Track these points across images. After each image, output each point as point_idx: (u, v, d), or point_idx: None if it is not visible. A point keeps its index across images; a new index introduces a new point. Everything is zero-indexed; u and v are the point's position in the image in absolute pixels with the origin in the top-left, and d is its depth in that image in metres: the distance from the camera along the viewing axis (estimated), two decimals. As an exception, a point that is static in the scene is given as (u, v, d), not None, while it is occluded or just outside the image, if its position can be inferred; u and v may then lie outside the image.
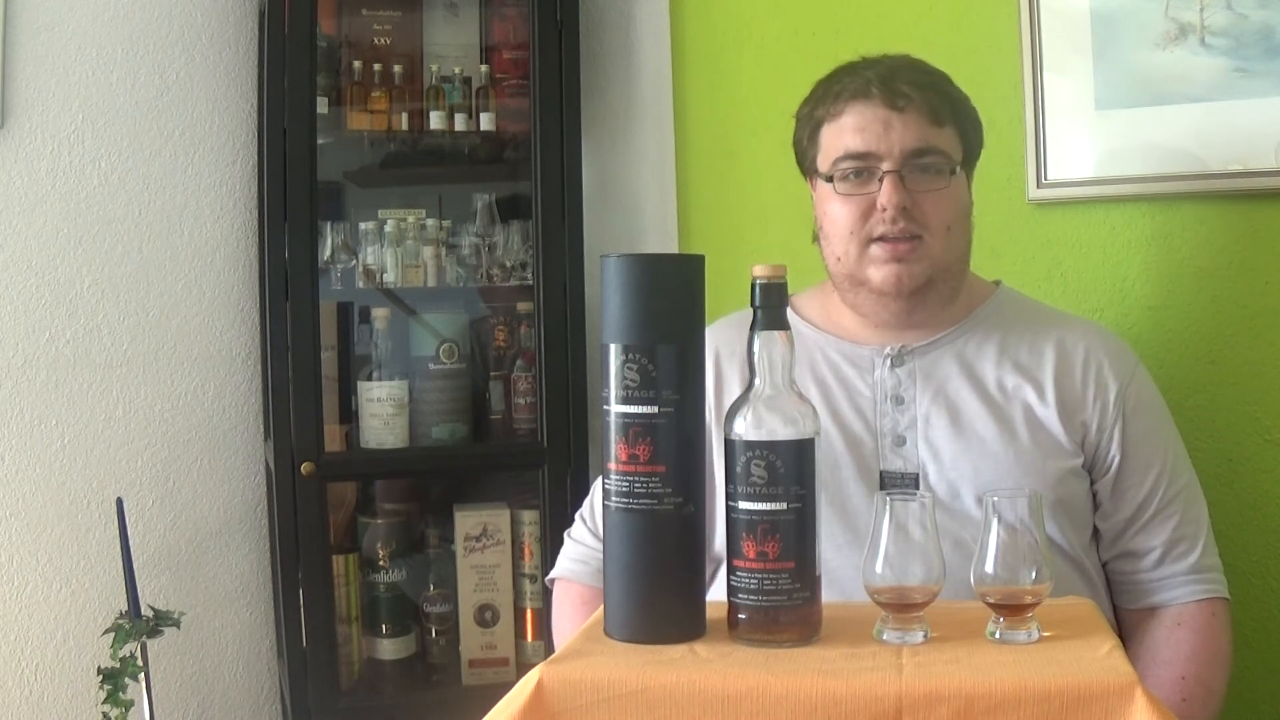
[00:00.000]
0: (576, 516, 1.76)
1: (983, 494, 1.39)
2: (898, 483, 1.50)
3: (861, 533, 1.32)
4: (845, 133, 1.51)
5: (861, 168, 1.50)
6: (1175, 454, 1.57)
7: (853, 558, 1.37)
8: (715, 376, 1.59)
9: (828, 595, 1.19)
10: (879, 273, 1.50)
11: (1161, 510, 1.53)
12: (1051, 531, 1.46)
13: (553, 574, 1.75)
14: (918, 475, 1.50)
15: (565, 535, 1.76)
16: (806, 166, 1.60)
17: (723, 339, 1.57)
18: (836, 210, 1.52)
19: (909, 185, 1.48)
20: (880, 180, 1.48)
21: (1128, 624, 1.56)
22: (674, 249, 2.34)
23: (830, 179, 1.52)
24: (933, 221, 1.49)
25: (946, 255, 1.51)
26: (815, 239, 1.60)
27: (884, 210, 1.48)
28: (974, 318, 1.59)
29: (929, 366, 1.55)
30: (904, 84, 1.48)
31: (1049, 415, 1.52)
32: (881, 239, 1.49)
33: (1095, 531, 1.56)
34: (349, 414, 2.34)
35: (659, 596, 1.18)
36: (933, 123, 1.49)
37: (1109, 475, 1.53)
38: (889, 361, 1.55)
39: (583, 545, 1.71)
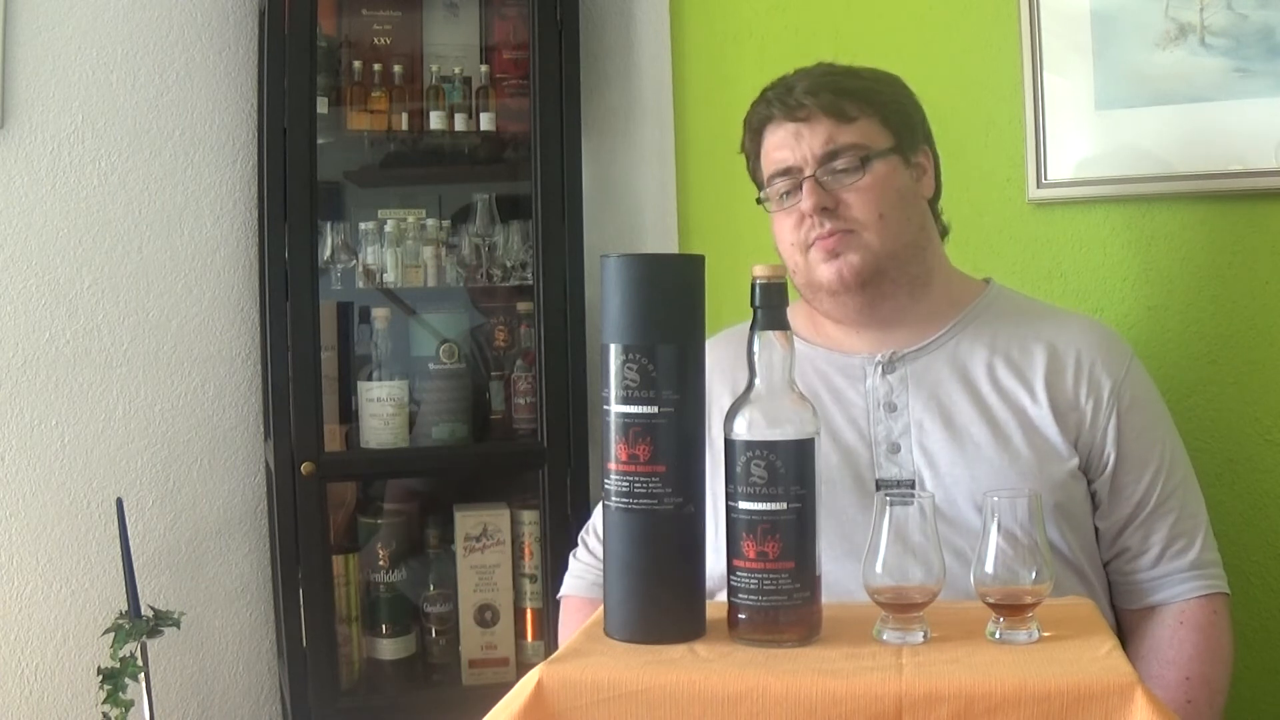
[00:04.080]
0: (579, 538, 1.77)
1: (979, 500, 1.40)
2: (893, 491, 1.49)
3: (858, 543, 1.32)
4: (770, 154, 1.58)
5: (790, 183, 1.55)
6: (1172, 448, 1.57)
7: (849, 568, 1.35)
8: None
9: (826, 605, 1.19)
10: (823, 274, 1.54)
11: (1160, 506, 1.52)
12: (1051, 536, 1.46)
13: (559, 595, 1.77)
14: (913, 482, 1.50)
15: (571, 557, 1.76)
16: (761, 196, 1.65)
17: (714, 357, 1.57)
18: (778, 227, 1.59)
19: (828, 186, 1.52)
20: (802, 189, 1.53)
21: (1129, 625, 1.55)
22: (674, 249, 2.34)
23: (768, 200, 1.59)
24: (859, 214, 1.52)
25: (886, 243, 1.53)
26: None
27: (809, 215, 1.52)
28: (963, 319, 1.59)
29: (920, 371, 1.55)
30: (801, 94, 1.53)
31: (1042, 417, 1.51)
32: (816, 241, 1.53)
33: (1096, 533, 1.55)
34: (349, 414, 2.34)
35: (659, 596, 1.18)
36: (839, 120, 1.52)
37: (1106, 474, 1.52)
38: (880, 369, 1.56)
39: (582, 564, 1.73)
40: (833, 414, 1.55)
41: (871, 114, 1.54)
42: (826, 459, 1.50)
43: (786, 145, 1.54)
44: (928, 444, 1.51)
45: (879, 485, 1.51)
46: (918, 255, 1.57)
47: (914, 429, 1.52)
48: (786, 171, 1.55)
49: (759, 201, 1.62)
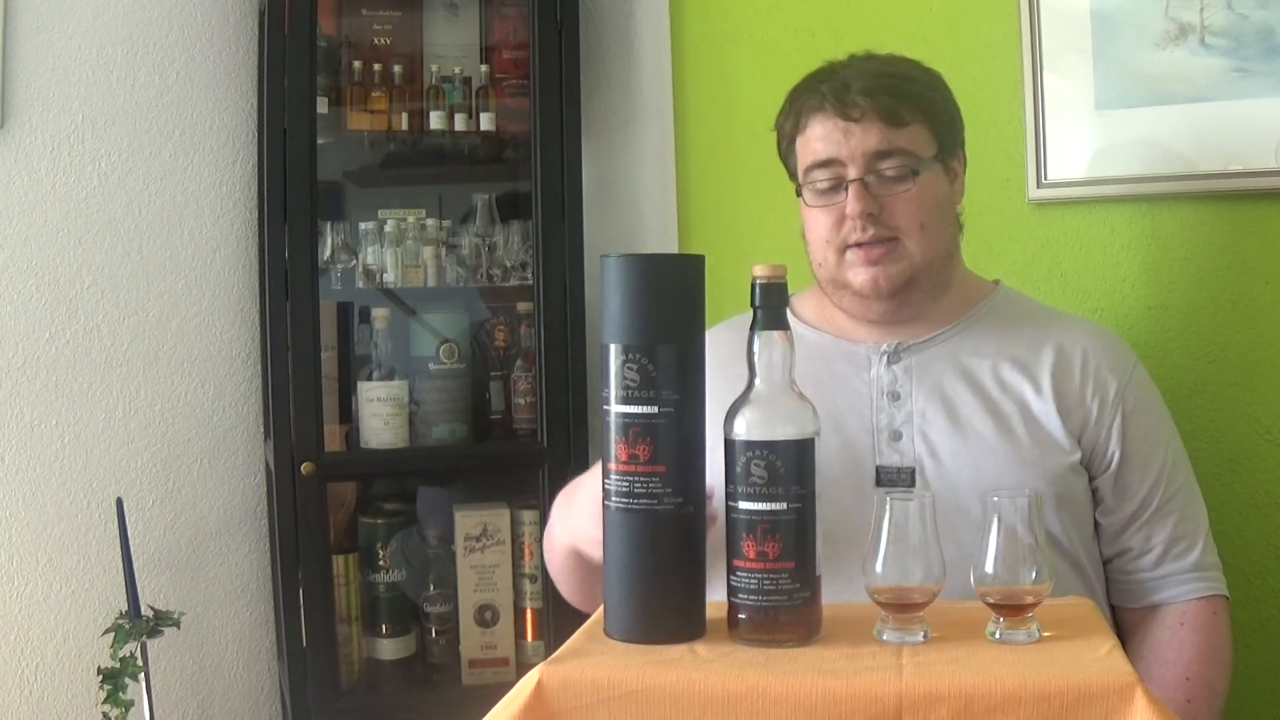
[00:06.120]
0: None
1: (980, 490, 1.40)
2: (894, 478, 1.51)
3: (856, 526, 1.32)
4: (811, 143, 1.55)
5: (831, 178, 1.52)
6: (1175, 453, 1.58)
7: (850, 557, 1.36)
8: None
9: (828, 587, 1.19)
10: (857, 277, 1.53)
11: (1162, 507, 1.54)
12: (1051, 525, 1.47)
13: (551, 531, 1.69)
14: (914, 470, 1.51)
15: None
16: (791, 175, 1.63)
17: (719, 339, 1.57)
18: (813, 220, 1.56)
19: (875, 191, 1.51)
20: (847, 190, 1.51)
21: (1129, 624, 1.56)
22: (674, 249, 2.34)
23: (802, 191, 1.56)
24: (904, 223, 1.51)
25: (925, 253, 1.53)
26: (801, 236, 1.63)
27: (853, 219, 1.51)
28: (971, 316, 1.60)
29: (925, 363, 1.56)
30: (857, 94, 1.50)
31: (1046, 411, 1.52)
32: (856, 245, 1.52)
33: (1096, 527, 1.57)
34: (349, 414, 2.34)
35: (659, 596, 1.18)
36: (892, 125, 1.50)
37: (1109, 472, 1.53)
38: (885, 359, 1.56)
39: None
40: (835, 400, 1.55)
41: (921, 120, 1.53)
42: (827, 444, 1.50)
43: (833, 139, 1.51)
44: (929, 433, 1.52)
45: (879, 472, 1.52)
46: (947, 264, 1.58)
47: (916, 418, 1.53)
48: (827, 163, 1.52)
49: (798, 192, 1.59)
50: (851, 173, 1.50)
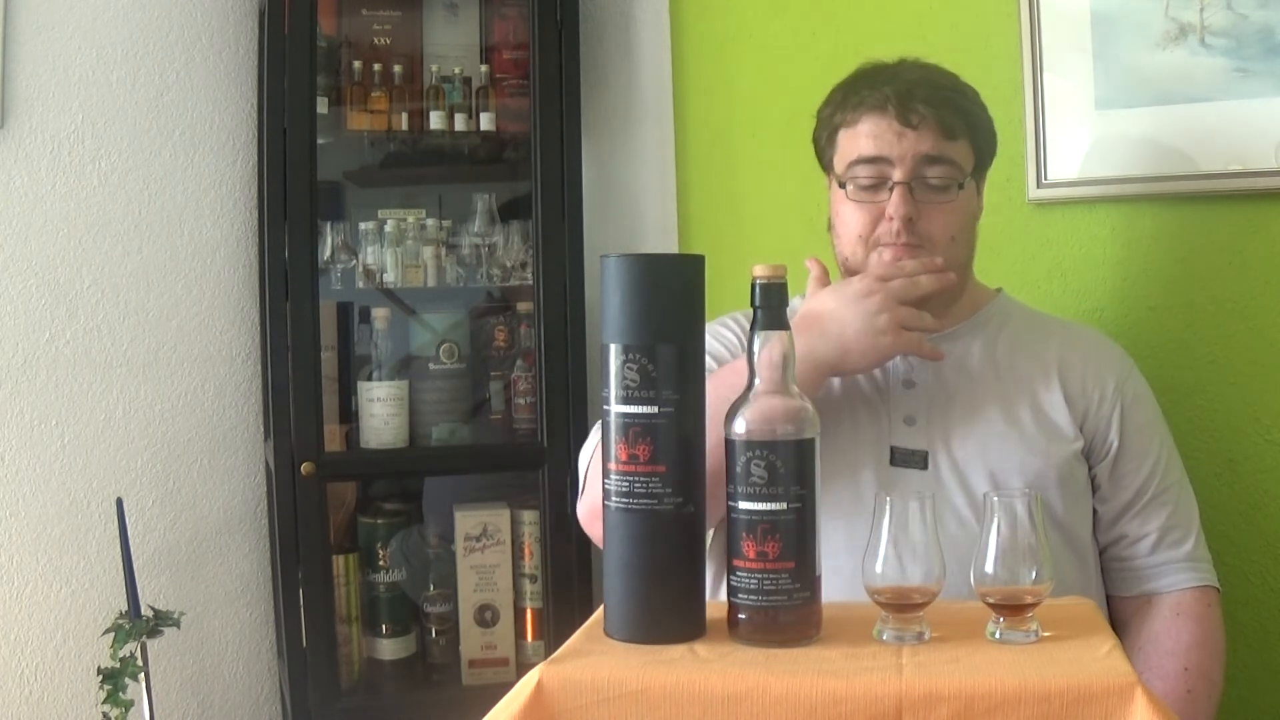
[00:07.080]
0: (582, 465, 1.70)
1: (989, 475, 1.50)
2: (908, 459, 1.54)
3: (867, 504, 1.34)
4: (860, 138, 1.57)
5: (874, 176, 1.55)
6: (1168, 451, 1.63)
7: (861, 533, 1.37)
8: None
9: (843, 567, 1.19)
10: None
11: (1156, 498, 1.59)
12: (1055, 511, 1.52)
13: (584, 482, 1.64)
14: (927, 454, 1.54)
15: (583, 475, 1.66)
16: (824, 164, 1.66)
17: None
18: (847, 214, 1.59)
19: (917, 197, 1.54)
20: (890, 190, 1.54)
21: (1125, 613, 1.60)
22: (674, 249, 2.34)
23: (844, 184, 1.58)
24: (937, 233, 1.55)
25: (949, 263, 1.56)
26: (830, 226, 1.65)
27: (890, 220, 1.54)
28: (979, 317, 1.65)
29: None
30: (920, 102, 1.53)
31: (1053, 401, 1.58)
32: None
33: (1095, 515, 1.61)
34: (349, 414, 2.34)
35: (659, 596, 1.18)
36: (945, 136, 1.54)
37: (1108, 459, 1.58)
38: None
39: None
40: (852, 383, 1.59)
41: (968, 136, 1.57)
42: (842, 424, 1.56)
43: (885, 139, 1.54)
44: (943, 419, 1.56)
45: (894, 452, 1.55)
46: (964, 273, 1.63)
47: (930, 405, 1.57)
48: (874, 160, 1.55)
49: (831, 174, 1.62)
50: (898, 174, 1.53)
